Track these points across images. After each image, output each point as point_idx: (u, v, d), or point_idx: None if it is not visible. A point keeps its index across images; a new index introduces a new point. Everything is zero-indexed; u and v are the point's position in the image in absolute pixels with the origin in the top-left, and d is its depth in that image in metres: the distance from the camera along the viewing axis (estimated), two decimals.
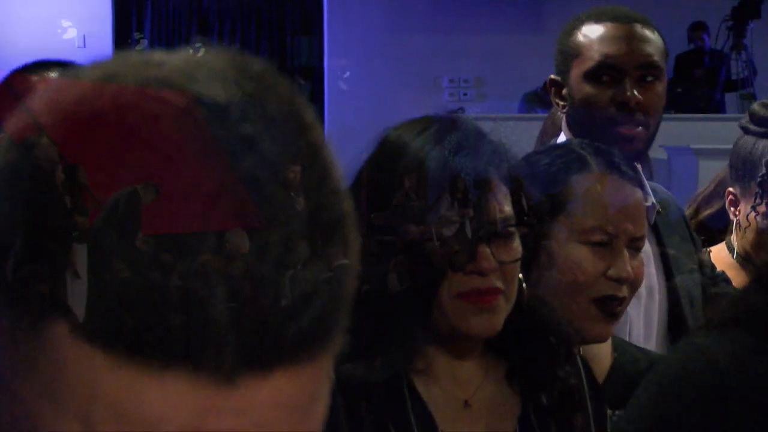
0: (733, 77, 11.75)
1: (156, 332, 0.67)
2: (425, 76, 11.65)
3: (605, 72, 2.64)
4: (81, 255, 0.68)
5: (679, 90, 10.98)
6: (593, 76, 2.66)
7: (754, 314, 1.29)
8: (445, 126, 1.78)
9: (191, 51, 0.76)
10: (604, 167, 2.07)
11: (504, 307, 1.74)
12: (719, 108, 11.49)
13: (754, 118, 2.97)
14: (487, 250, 1.71)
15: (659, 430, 1.28)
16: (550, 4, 11.25)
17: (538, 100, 10.05)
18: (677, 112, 10.53)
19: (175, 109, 0.70)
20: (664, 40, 2.74)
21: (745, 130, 3.00)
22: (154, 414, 0.69)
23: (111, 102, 0.71)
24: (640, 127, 2.62)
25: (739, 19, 11.34)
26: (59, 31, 11.58)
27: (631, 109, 2.60)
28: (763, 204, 2.89)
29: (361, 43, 12.08)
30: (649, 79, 2.65)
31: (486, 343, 1.82)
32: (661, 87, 2.68)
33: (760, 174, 2.87)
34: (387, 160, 1.75)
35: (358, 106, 10.88)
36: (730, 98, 11.72)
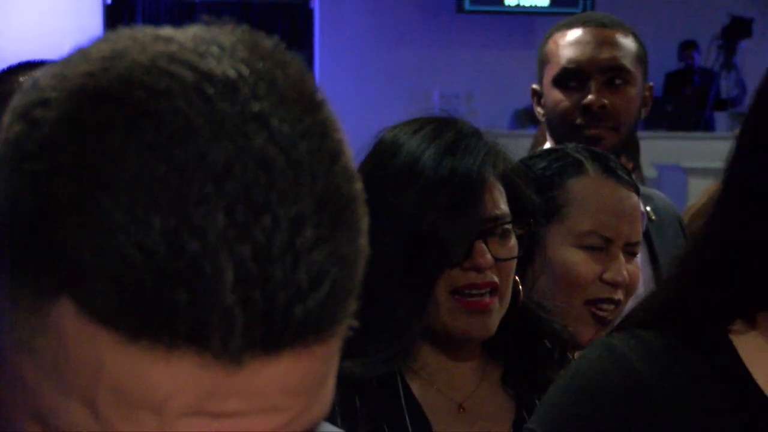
0: (723, 96, 11.79)
1: (164, 312, 0.66)
2: (416, 90, 11.65)
3: (570, 77, 2.66)
4: (88, 233, 0.67)
5: (670, 108, 11.00)
6: (560, 81, 2.67)
7: (662, 314, 1.27)
8: (440, 125, 1.78)
9: (201, 27, 0.75)
10: (601, 171, 2.07)
11: (498, 309, 1.74)
12: (709, 126, 11.52)
13: None
14: (484, 246, 1.71)
15: (569, 430, 1.26)
16: (540, 19, 11.26)
17: (529, 116, 10.06)
18: (668, 130, 10.55)
19: (185, 84, 0.69)
20: (641, 44, 2.73)
21: None
22: (158, 395, 0.67)
23: (119, 78, 0.70)
24: (608, 131, 2.61)
25: (730, 38, 11.38)
26: (49, 40, 11.55)
27: (595, 113, 2.60)
28: None
29: (352, 58, 12.08)
30: (618, 82, 2.64)
31: (483, 347, 1.81)
32: (633, 91, 2.67)
33: None
34: (383, 159, 1.75)
35: (349, 120, 10.86)
36: (720, 117, 11.75)
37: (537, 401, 1.80)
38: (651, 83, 2.79)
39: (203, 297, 0.65)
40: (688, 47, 12.28)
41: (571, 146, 2.14)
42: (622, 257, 2.02)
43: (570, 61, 2.65)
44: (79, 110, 0.69)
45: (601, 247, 2.02)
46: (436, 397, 1.77)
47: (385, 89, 11.81)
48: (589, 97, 2.61)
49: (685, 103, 11.55)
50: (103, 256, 0.66)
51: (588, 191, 2.04)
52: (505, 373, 1.83)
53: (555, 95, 2.67)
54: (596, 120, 2.61)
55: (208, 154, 0.67)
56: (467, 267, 1.71)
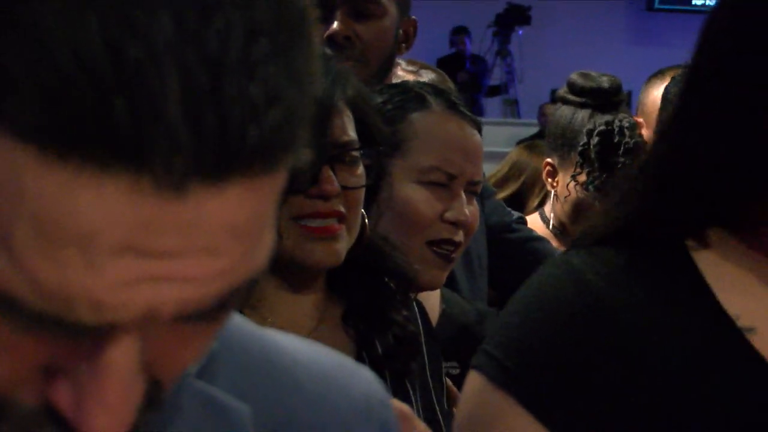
0: (497, 82, 12.02)
1: (97, 125, 0.55)
2: None
3: (318, 7, 2.56)
4: (10, 34, 0.56)
5: None
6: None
7: (621, 230, 1.21)
8: None
9: None
10: (444, 106, 2.01)
11: (346, 237, 1.64)
12: (481, 112, 11.77)
13: (574, 89, 2.98)
14: (331, 173, 1.60)
15: (530, 352, 1.18)
16: None
17: None
18: None
19: None
20: None
21: (564, 101, 3.00)
22: (87, 227, 0.57)
23: None
24: (358, 64, 2.53)
25: (504, 26, 11.60)
26: None
27: (340, 44, 2.50)
28: (584, 173, 2.89)
29: None
30: (365, 12, 2.56)
31: (326, 283, 1.71)
32: (383, 23, 2.57)
33: (582, 143, 2.87)
34: None
35: None
36: (491, 102, 11.99)
37: (377, 342, 1.71)
38: (414, 17, 2.69)
39: (144, 108, 0.56)
40: (459, 33, 12.47)
41: (412, 81, 2.07)
42: (463, 195, 1.96)
43: None
44: None
45: (443, 183, 1.97)
46: None
47: None
48: (333, 27, 2.53)
49: (458, 88, 11.75)
50: (29, 61, 0.56)
51: (432, 126, 1.98)
52: (346, 311, 1.72)
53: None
54: (342, 51, 2.52)
55: None
56: (313, 194, 1.60)
